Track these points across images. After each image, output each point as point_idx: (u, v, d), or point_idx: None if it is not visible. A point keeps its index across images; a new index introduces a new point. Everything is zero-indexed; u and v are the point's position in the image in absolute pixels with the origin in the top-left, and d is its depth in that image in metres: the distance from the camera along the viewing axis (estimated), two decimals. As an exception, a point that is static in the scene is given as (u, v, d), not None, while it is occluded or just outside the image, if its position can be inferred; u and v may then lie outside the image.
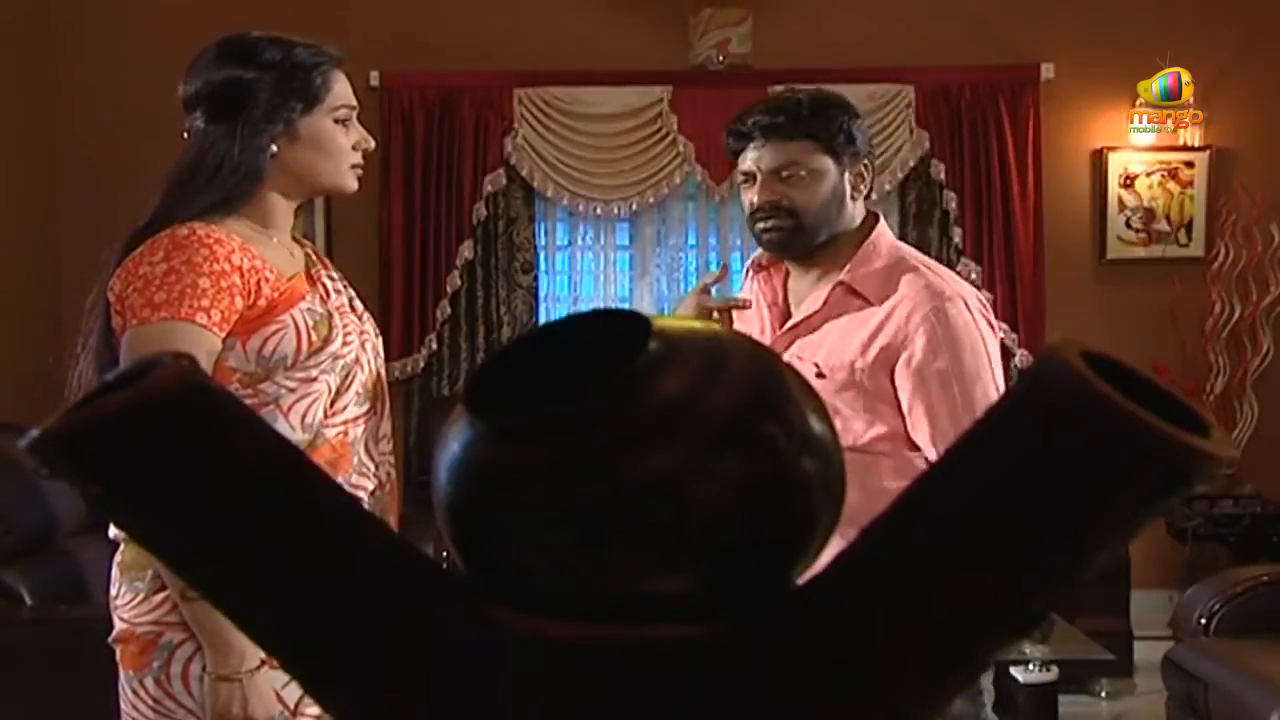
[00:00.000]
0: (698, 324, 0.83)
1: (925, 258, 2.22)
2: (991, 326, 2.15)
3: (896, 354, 2.06)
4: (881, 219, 2.22)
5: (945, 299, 2.08)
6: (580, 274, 5.69)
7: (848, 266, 2.13)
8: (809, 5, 5.47)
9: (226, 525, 0.79)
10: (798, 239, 2.13)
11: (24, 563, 3.45)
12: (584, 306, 5.23)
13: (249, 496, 0.79)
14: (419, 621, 0.80)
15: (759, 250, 2.28)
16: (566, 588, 0.76)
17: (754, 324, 2.23)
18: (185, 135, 1.89)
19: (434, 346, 5.41)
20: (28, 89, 5.29)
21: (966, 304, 2.10)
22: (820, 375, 2.08)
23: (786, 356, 2.12)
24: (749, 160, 2.13)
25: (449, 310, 5.41)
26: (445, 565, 0.86)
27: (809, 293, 2.17)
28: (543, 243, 5.59)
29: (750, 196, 2.15)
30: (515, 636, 0.78)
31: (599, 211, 5.50)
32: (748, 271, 2.34)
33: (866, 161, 2.17)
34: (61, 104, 5.40)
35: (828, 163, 2.11)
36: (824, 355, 2.10)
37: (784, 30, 5.41)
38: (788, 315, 2.20)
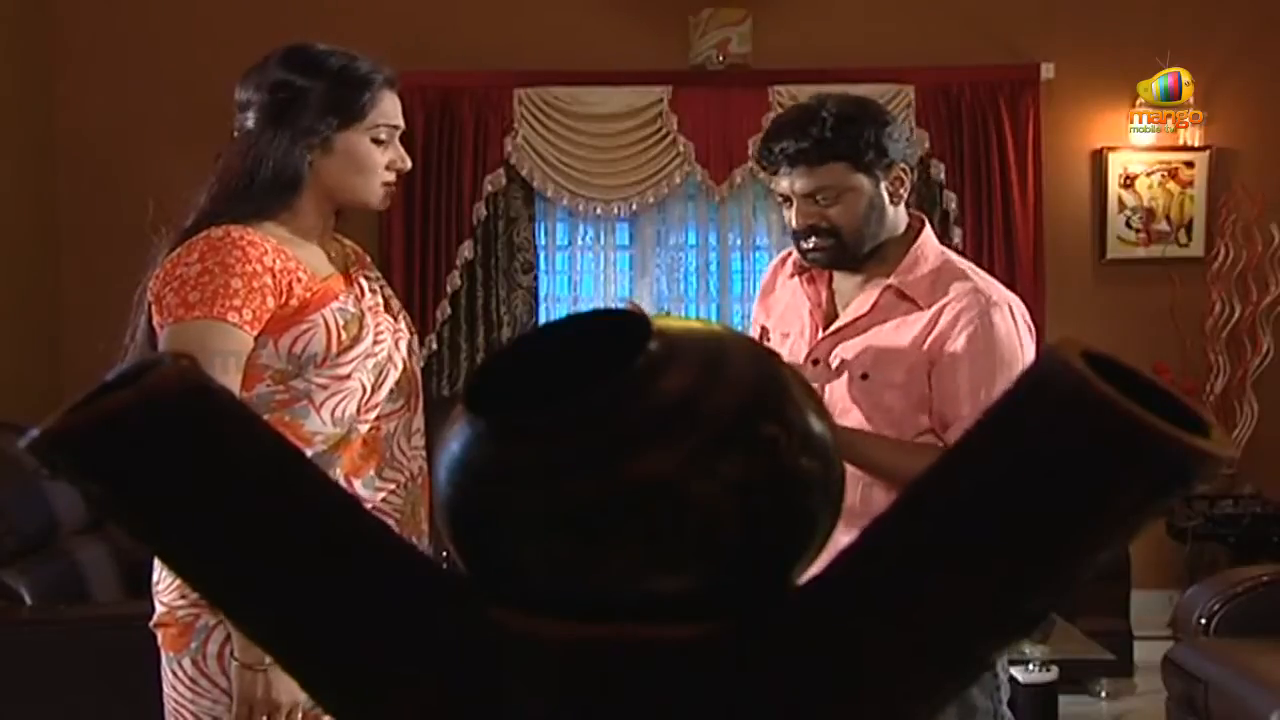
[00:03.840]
0: (697, 324, 0.83)
1: (969, 263, 2.24)
2: (1031, 334, 2.16)
3: (940, 352, 2.08)
4: (926, 224, 2.23)
5: (992, 304, 2.10)
6: (580, 274, 5.69)
7: (896, 271, 2.14)
8: (809, 5, 5.47)
9: (226, 525, 0.79)
10: (842, 255, 2.14)
11: (24, 563, 3.45)
12: (584, 306, 5.22)
13: (248, 496, 0.79)
14: (419, 621, 0.80)
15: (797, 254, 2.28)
16: (566, 587, 0.76)
17: (795, 325, 2.24)
18: (235, 134, 1.93)
19: (434, 346, 5.41)
20: (28, 89, 5.29)
21: (1012, 311, 2.13)
22: (865, 377, 2.11)
23: (831, 358, 2.15)
24: (783, 184, 2.13)
25: (449, 310, 5.41)
26: (445, 565, 0.86)
27: (855, 296, 2.18)
28: (543, 243, 5.58)
29: (789, 217, 2.15)
30: (515, 636, 0.78)
31: (599, 211, 5.49)
32: (784, 273, 2.34)
33: (904, 165, 2.15)
34: (61, 104, 5.40)
35: (860, 179, 2.10)
36: (871, 358, 2.12)
37: (784, 30, 5.41)
38: (832, 317, 2.21)
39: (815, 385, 2.09)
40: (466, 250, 5.38)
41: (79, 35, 5.41)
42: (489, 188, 5.40)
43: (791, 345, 2.21)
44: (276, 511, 0.80)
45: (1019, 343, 2.11)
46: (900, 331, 2.12)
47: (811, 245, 2.14)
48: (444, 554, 0.91)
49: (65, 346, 5.08)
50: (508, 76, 5.40)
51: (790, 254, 2.32)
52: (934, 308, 2.11)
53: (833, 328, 2.18)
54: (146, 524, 0.81)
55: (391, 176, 1.97)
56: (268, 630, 0.84)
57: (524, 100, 5.40)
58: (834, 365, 2.15)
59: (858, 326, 2.15)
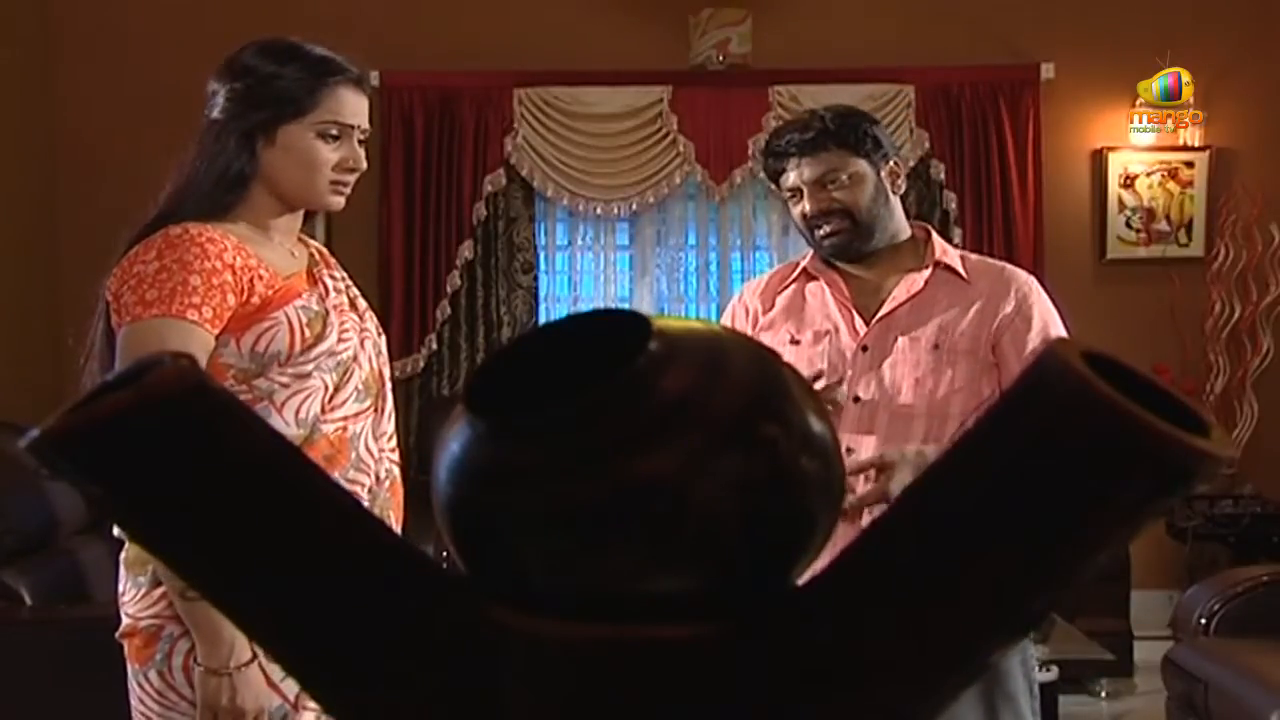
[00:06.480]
0: (697, 324, 0.83)
1: (977, 255, 2.46)
2: None
3: (1009, 327, 2.25)
4: (932, 231, 2.42)
5: (1031, 278, 2.34)
6: (580, 274, 5.69)
7: (935, 257, 2.31)
8: (809, 5, 5.47)
9: (226, 525, 0.79)
10: (857, 238, 2.29)
11: (24, 563, 3.45)
12: (584, 306, 5.24)
13: (248, 496, 0.79)
14: (418, 621, 0.80)
15: (806, 257, 2.40)
16: (566, 588, 0.76)
17: (827, 324, 2.32)
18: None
19: (434, 346, 5.41)
20: (28, 89, 5.29)
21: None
22: (936, 347, 2.23)
23: (892, 338, 2.26)
24: (792, 177, 2.29)
25: (449, 310, 5.41)
26: (445, 565, 0.86)
27: (885, 287, 2.31)
28: (543, 243, 5.59)
29: (800, 209, 2.30)
30: (515, 636, 0.78)
31: (599, 211, 5.50)
32: (785, 285, 2.42)
33: (895, 159, 2.34)
34: (61, 104, 5.40)
35: (863, 165, 2.27)
36: (937, 329, 2.25)
37: (784, 30, 5.41)
38: (864, 310, 2.31)
39: (872, 368, 2.25)
40: (466, 250, 5.39)
41: (79, 35, 5.41)
42: (489, 188, 5.40)
43: (830, 341, 2.30)
44: (275, 510, 0.80)
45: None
46: (960, 305, 2.27)
47: (828, 230, 2.28)
48: (444, 554, 0.91)
49: (65, 346, 5.07)
50: (508, 76, 5.40)
51: (771, 276, 2.46)
52: (983, 287, 2.28)
53: (884, 310, 2.28)
54: (146, 524, 0.81)
55: (344, 176, 1.92)
56: (266, 628, 0.84)
57: (524, 100, 5.40)
58: (901, 343, 2.25)
59: (914, 306, 2.28)
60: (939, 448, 2.15)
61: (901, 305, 2.27)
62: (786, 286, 2.39)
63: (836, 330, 2.29)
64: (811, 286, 2.37)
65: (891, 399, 2.22)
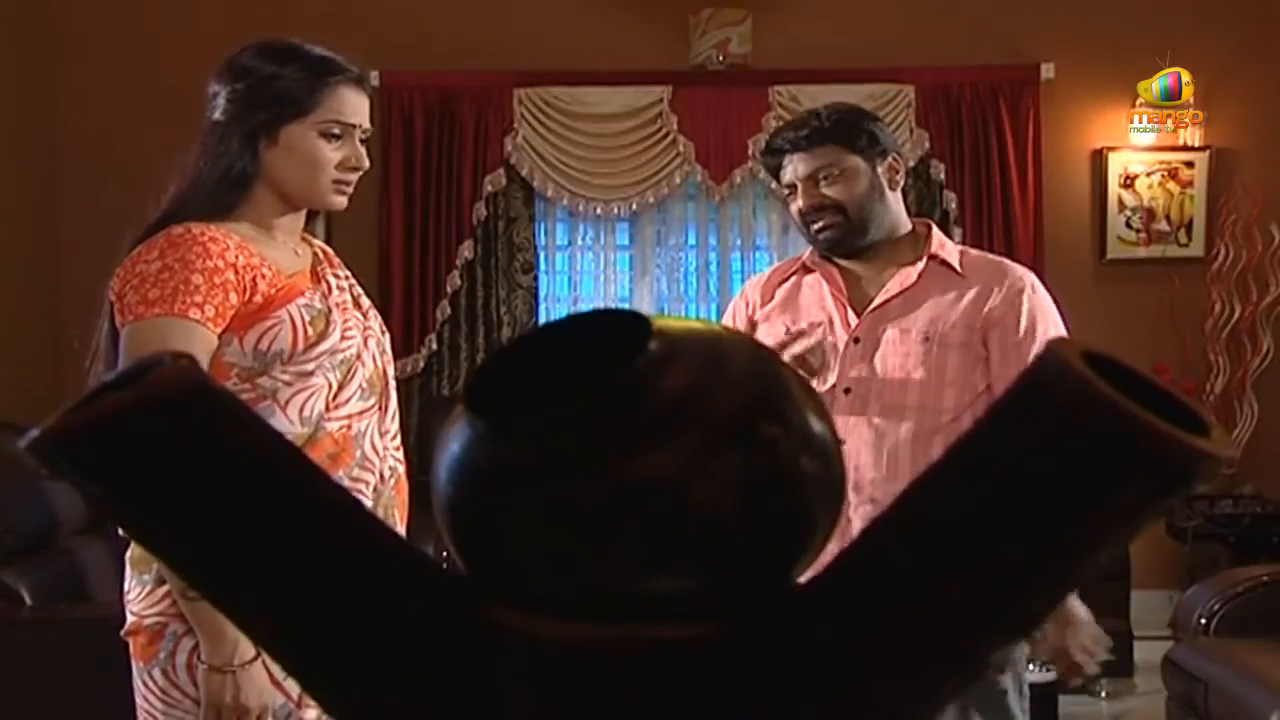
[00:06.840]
0: (697, 324, 0.83)
1: (977, 250, 2.47)
2: None
3: (999, 321, 2.26)
4: (933, 225, 2.42)
5: (1029, 275, 2.33)
6: (580, 274, 5.69)
7: (931, 250, 2.32)
8: (809, 5, 5.47)
9: (226, 525, 0.79)
10: (850, 233, 2.32)
11: (24, 563, 3.45)
12: (584, 306, 5.23)
13: (249, 496, 0.79)
14: (419, 621, 0.80)
15: (807, 252, 2.43)
16: (566, 588, 0.76)
17: (822, 315, 2.35)
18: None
19: (434, 346, 5.41)
20: (28, 89, 5.29)
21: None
22: (927, 339, 2.25)
23: (884, 330, 2.28)
24: (787, 173, 2.33)
25: (449, 310, 5.41)
26: (445, 565, 0.86)
27: (880, 281, 2.33)
28: (543, 243, 5.59)
29: (796, 205, 2.34)
30: (515, 636, 0.78)
31: (599, 211, 5.49)
32: (785, 278, 2.46)
33: (895, 155, 2.36)
34: (61, 104, 5.39)
35: (857, 161, 2.30)
36: (929, 321, 2.27)
37: (784, 30, 5.41)
38: (858, 303, 2.34)
39: (863, 359, 2.27)
40: (466, 250, 5.39)
41: (79, 35, 5.41)
42: (489, 188, 5.40)
43: (824, 332, 2.32)
44: (276, 511, 0.80)
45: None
46: (952, 298, 2.28)
47: (821, 225, 2.31)
48: (444, 554, 0.91)
49: (65, 346, 5.07)
50: (508, 76, 5.40)
51: (774, 271, 2.50)
52: (980, 281, 2.29)
53: (876, 303, 2.31)
54: (146, 524, 0.81)
55: (347, 175, 1.92)
56: (266, 628, 0.84)
57: (524, 100, 5.40)
58: (891, 335, 2.27)
59: (906, 299, 2.29)
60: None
61: (894, 298, 2.29)
62: (786, 280, 2.43)
63: (830, 322, 2.32)
64: (809, 279, 2.40)
65: (882, 390, 2.24)
